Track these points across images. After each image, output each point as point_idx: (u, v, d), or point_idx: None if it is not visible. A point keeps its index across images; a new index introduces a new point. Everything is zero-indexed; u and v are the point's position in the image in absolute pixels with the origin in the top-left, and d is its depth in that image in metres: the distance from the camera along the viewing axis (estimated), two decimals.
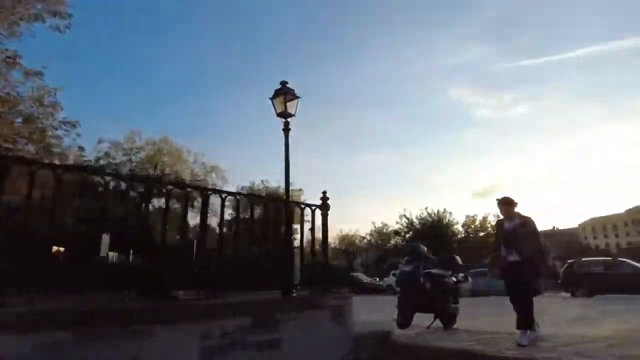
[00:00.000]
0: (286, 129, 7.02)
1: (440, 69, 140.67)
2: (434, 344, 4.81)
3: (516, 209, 5.35)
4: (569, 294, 18.09)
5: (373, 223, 41.42)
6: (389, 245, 39.45)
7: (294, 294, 5.44)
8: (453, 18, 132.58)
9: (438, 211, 36.11)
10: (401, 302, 6.16)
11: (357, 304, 12.51)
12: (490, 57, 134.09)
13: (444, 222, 36.38)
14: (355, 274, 30.28)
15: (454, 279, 6.88)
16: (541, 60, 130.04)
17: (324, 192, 5.90)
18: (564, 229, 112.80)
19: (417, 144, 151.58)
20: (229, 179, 28.64)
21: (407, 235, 37.35)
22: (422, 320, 6.39)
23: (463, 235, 36.41)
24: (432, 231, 35.30)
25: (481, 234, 35.67)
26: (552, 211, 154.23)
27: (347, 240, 44.82)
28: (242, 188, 31.25)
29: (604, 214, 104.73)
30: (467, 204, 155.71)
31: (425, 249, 6.73)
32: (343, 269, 33.04)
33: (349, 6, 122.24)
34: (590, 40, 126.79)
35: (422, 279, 6.10)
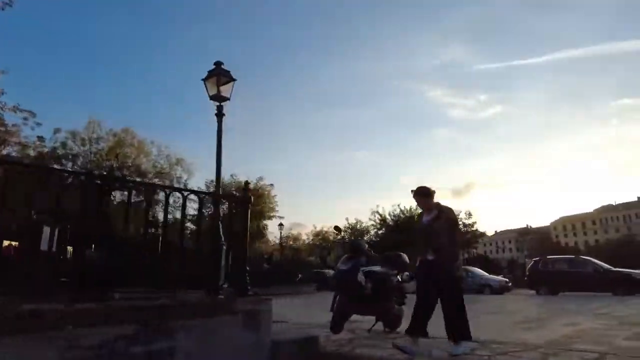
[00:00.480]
0: (219, 114, 6.39)
1: (420, 69, 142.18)
2: (358, 352, 4.30)
3: (435, 199, 4.69)
4: (534, 292, 18.07)
5: (347, 219, 41.12)
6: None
7: (221, 295, 4.87)
8: (434, 18, 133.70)
9: (410, 208, 35.94)
10: (336, 303, 5.65)
11: (318, 302, 12.08)
12: (468, 57, 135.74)
13: (416, 218, 36.25)
14: (325, 270, 29.80)
15: (399, 278, 6.42)
16: (517, 62, 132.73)
17: (246, 183, 5.31)
18: (536, 227, 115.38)
19: (397, 142, 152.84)
20: (196, 172, 27.58)
21: (380, 232, 37.16)
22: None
23: None
24: (405, 227, 35.16)
25: None
26: (526, 210, 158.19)
27: (321, 236, 44.44)
28: (211, 182, 30.31)
29: (574, 213, 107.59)
30: (447, 202, 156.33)
31: (367, 245, 6.22)
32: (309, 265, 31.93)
33: (332, 4, 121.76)
34: (566, 45, 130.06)
35: (360, 279, 5.59)
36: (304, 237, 45.84)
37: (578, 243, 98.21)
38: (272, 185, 29.16)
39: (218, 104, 6.41)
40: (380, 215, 36.65)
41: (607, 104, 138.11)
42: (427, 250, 4.40)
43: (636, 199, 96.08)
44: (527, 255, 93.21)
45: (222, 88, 6.47)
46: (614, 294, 15.34)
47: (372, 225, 37.70)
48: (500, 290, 19.26)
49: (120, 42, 72.77)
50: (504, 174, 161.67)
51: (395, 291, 6.21)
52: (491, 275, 21.62)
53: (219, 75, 6.42)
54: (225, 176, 30.73)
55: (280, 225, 28.95)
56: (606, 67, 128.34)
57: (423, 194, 4.62)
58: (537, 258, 19.53)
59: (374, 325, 5.97)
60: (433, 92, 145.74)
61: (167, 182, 25.02)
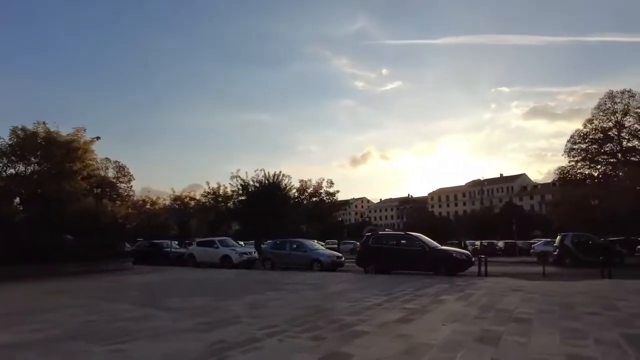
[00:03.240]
0: None
1: (327, 36, 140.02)
2: None
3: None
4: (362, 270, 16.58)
5: (207, 183, 37.14)
6: (222, 207, 35.72)
7: None
8: None
9: (275, 174, 33.33)
10: None
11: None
12: (375, 31, 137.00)
13: (282, 185, 33.88)
14: (163, 241, 26.04)
15: None
16: (419, 41, 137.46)
17: None
18: (416, 197, 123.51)
19: (298, 107, 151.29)
20: None
21: (241, 198, 34.12)
22: None
23: (296, 201, 34.38)
24: (269, 195, 32.59)
25: (314, 199, 34.17)
26: (410, 180, 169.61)
27: (181, 202, 39.95)
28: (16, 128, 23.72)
29: (449, 185, 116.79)
30: (340, 172, 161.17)
31: None
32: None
33: None
34: (462, 31, 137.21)
35: None
36: (162, 201, 41.00)
37: (450, 213, 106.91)
38: (97, 138, 23.89)
39: None
40: (244, 180, 33.42)
41: (489, 90, 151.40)
42: None
43: (499, 176, 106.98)
44: (405, 223, 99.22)
45: None
46: (436, 274, 14.36)
47: (234, 191, 34.37)
48: (332, 266, 17.52)
49: None
50: (395, 146, 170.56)
51: None
52: (325, 250, 19.87)
53: None
54: (28, 123, 24.27)
55: (97, 187, 24.09)
56: (493, 56, 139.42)
57: None
58: (369, 233, 18.05)
59: None
60: (338, 60, 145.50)
61: None
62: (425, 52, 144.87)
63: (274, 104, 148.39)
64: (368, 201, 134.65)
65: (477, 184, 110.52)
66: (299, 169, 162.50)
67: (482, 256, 15.07)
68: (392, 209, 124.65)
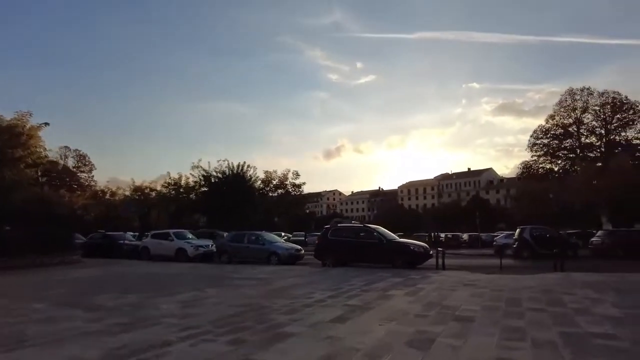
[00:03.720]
0: None
1: (301, 27, 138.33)
2: None
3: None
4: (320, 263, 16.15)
5: (168, 173, 35.66)
6: (184, 198, 34.51)
7: None
8: None
9: (239, 165, 32.41)
10: None
11: None
12: (349, 23, 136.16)
13: (247, 177, 33.02)
14: (117, 233, 24.87)
15: None
16: (393, 35, 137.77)
17: None
18: (387, 190, 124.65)
19: (272, 97, 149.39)
20: None
21: (203, 189, 33.05)
22: None
23: (261, 192, 33.55)
24: (233, 186, 31.69)
25: (280, 190, 33.49)
26: (381, 173, 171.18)
27: (141, 192, 38.35)
28: None
29: (418, 179, 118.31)
30: (314, 164, 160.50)
31: None
32: None
33: None
34: (435, 26, 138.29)
35: None
36: (122, 191, 39.36)
37: (418, 206, 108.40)
38: (46, 124, 22.38)
39: None
40: (206, 171, 32.33)
41: (460, 86, 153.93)
42: None
43: (467, 170, 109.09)
44: (375, 215, 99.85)
45: None
46: (394, 267, 14.11)
47: (196, 182, 33.24)
48: (290, 259, 17.02)
49: None
50: (368, 139, 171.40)
51: None
52: (284, 243, 19.37)
53: None
54: None
55: (43, 176, 22.69)
56: (464, 53, 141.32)
57: None
58: (327, 225, 17.65)
59: None
60: (312, 52, 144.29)
61: None
62: (399, 46, 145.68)
63: (247, 94, 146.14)
64: (340, 194, 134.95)
65: (446, 177, 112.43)
66: (272, 161, 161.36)
67: (440, 249, 14.90)
68: (363, 202, 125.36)
